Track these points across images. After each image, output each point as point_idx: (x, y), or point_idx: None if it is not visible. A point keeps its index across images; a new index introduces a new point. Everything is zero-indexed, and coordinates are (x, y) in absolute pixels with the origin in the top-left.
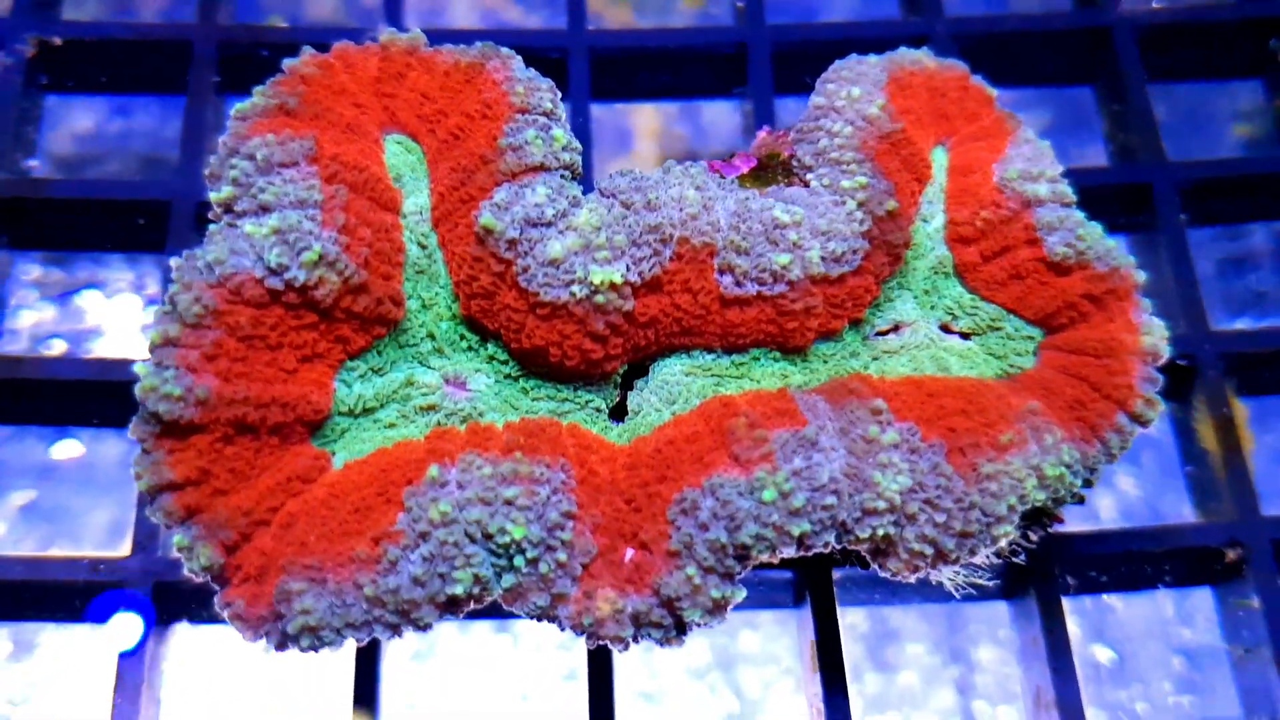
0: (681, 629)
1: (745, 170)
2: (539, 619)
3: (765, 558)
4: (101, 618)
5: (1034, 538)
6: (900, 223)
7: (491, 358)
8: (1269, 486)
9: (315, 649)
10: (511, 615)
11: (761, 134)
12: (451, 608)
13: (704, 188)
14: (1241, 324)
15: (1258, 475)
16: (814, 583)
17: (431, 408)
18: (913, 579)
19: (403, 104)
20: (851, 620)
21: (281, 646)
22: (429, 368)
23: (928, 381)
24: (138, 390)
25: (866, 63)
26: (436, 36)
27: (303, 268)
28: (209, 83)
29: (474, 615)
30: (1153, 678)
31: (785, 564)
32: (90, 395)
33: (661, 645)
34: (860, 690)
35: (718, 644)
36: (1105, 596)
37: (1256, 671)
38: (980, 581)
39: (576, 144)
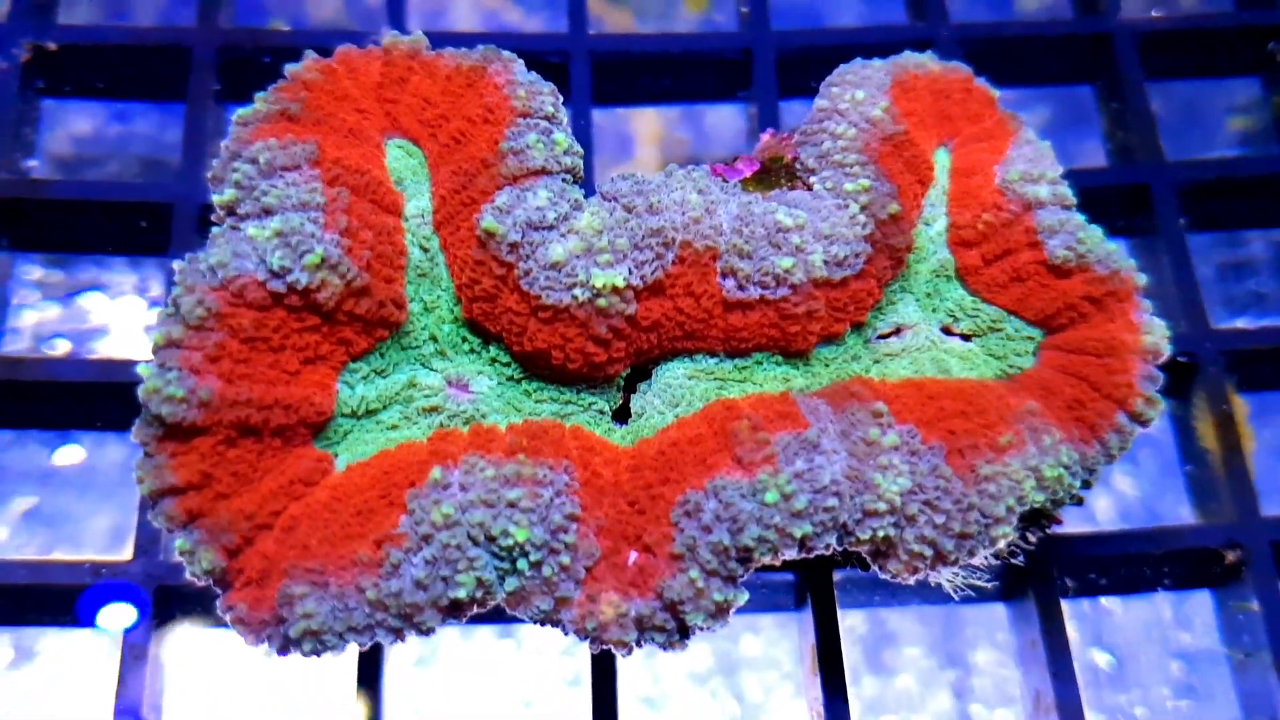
0: (684, 632)
1: (748, 174)
2: (542, 623)
3: (767, 560)
4: (94, 609)
5: (1032, 539)
6: (903, 225)
7: (494, 360)
8: (1269, 484)
9: (317, 653)
10: (515, 619)
11: (765, 137)
12: (454, 611)
13: (706, 191)
14: (1241, 323)
15: (1257, 472)
16: (815, 585)
17: (434, 409)
18: (912, 581)
19: (405, 109)
20: (850, 623)
21: (284, 650)
22: (431, 370)
23: (928, 384)
24: (141, 392)
25: (871, 66)
26: (438, 39)
27: (305, 270)
28: (209, 89)
29: (477, 619)
30: (1151, 682)
31: (786, 566)
32: (92, 397)
33: (664, 649)
34: (858, 694)
35: (719, 648)
36: (1103, 600)
37: (1256, 676)
38: (979, 583)
39: (578, 148)
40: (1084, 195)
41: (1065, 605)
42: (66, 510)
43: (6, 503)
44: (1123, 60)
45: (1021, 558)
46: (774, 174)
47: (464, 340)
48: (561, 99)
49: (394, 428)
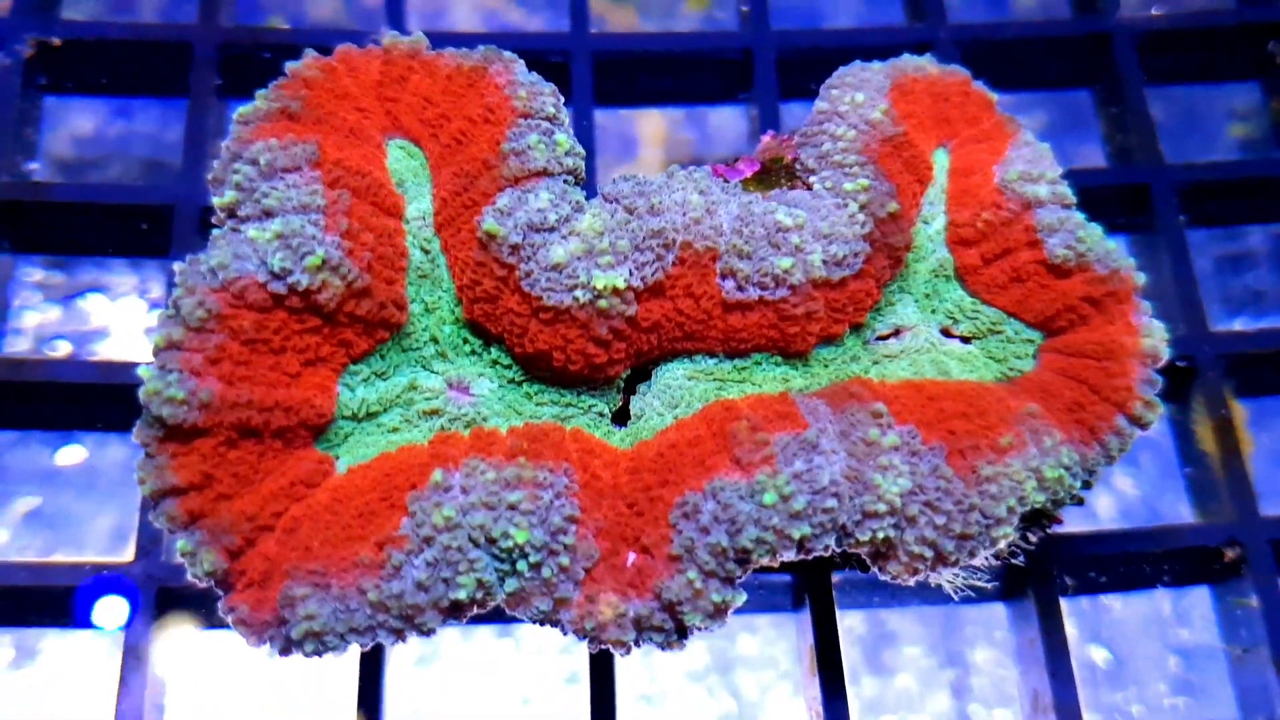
0: (682, 632)
1: (749, 174)
2: (541, 623)
3: (766, 561)
4: (89, 604)
5: (1033, 539)
6: (902, 224)
7: (495, 362)
8: (1267, 487)
9: (319, 654)
10: (514, 619)
11: (766, 138)
12: (455, 612)
13: (707, 192)
14: (1239, 323)
15: (1256, 476)
16: (813, 586)
17: (435, 412)
18: (912, 582)
19: (405, 108)
20: (848, 623)
21: (285, 652)
22: (432, 372)
23: (928, 385)
24: (142, 394)
25: (870, 69)
26: (438, 39)
27: (306, 272)
28: (210, 85)
29: (477, 619)
30: (1149, 679)
31: (785, 567)
32: (94, 398)
33: (662, 649)
34: (857, 694)
35: (716, 647)
36: (1102, 597)
37: (1254, 672)
38: (979, 583)
39: (579, 149)
40: (1084, 195)
41: (1064, 603)
42: (68, 511)
43: (9, 503)
44: (1122, 62)
45: (1022, 558)
46: (775, 174)
47: (465, 342)
48: (563, 99)
49: (395, 430)
